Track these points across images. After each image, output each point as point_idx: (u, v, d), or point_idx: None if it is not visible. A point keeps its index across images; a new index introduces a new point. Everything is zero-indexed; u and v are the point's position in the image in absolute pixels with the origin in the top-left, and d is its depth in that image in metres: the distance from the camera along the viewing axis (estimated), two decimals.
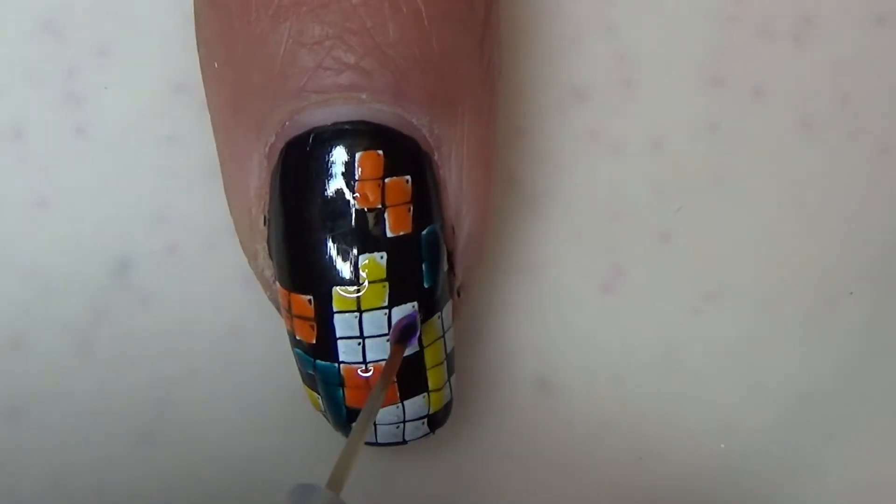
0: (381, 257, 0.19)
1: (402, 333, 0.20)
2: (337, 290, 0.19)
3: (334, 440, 0.23)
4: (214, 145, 0.23)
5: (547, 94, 0.24)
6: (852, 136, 0.25)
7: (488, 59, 0.20)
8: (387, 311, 0.20)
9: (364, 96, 0.19)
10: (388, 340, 0.20)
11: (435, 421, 0.21)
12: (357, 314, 0.20)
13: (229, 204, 0.21)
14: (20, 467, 0.23)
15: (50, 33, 0.24)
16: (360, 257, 0.19)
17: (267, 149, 0.20)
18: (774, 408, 0.24)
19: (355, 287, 0.19)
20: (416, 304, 0.20)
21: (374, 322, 0.20)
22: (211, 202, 0.24)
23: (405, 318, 0.20)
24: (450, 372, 0.21)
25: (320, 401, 0.21)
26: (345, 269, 0.19)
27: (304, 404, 0.23)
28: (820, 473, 0.24)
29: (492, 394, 0.24)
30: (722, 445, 0.24)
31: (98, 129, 0.24)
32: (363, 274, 0.19)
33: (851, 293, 0.24)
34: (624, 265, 0.24)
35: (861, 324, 0.25)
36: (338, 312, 0.20)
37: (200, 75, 0.23)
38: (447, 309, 0.21)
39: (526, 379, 0.24)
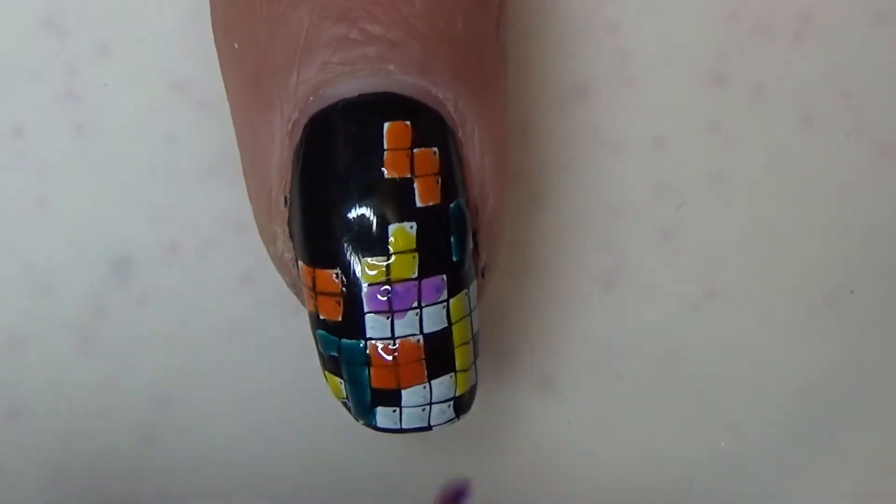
0: (411, 227, 0.19)
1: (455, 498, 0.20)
2: (366, 260, 0.19)
3: (334, 438, 0.23)
4: (214, 143, 0.23)
5: (548, 92, 0.24)
6: (853, 134, 0.25)
7: (503, 43, 0.20)
8: (416, 282, 0.19)
9: (391, 67, 0.19)
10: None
11: (461, 405, 0.21)
12: (387, 286, 0.19)
13: (248, 187, 0.21)
14: (20, 466, 0.23)
15: (49, 31, 0.24)
16: (390, 227, 0.19)
17: (290, 126, 0.20)
18: (775, 406, 0.24)
19: (384, 257, 0.19)
20: (448, 279, 0.20)
21: (404, 294, 0.19)
22: (211, 200, 0.24)
23: (460, 484, 0.20)
24: (476, 354, 0.21)
25: (342, 386, 0.20)
26: (373, 239, 0.19)
27: (305, 402, 0.23)
28: (821, 470, 0.24)
29: (492, 390, 0.24)
30: (723, 444, 0.24)
31: (98, 127, 0.24)
32: (392, 244, 0.19)
33: (852, 291, 0.24)
34: (625, 262, 0.24)
35: (862, 322, 0.25)
36: (366, 285, 0.19)
37: (200, 73, 0.23)
38: (473, 287, 0.20)
39: (526, 376, 0.24)
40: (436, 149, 0.19)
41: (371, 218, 0.19)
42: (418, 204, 0.19)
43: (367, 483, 0.24)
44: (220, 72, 0.21)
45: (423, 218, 0.19)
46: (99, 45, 0.24)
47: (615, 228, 0.24)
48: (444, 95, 0.20)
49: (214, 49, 0.21)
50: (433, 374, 0.20)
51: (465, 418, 0.21)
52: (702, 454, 0.24)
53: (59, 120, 0.24)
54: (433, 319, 0.20)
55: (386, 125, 0.19)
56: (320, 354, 0.21)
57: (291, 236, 0.20)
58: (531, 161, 0.24)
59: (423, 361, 0.20)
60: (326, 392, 0.21)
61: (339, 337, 0.20)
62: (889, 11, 0.25)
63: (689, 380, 0.24)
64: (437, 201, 0.19)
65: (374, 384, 0.20)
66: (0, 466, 0.23)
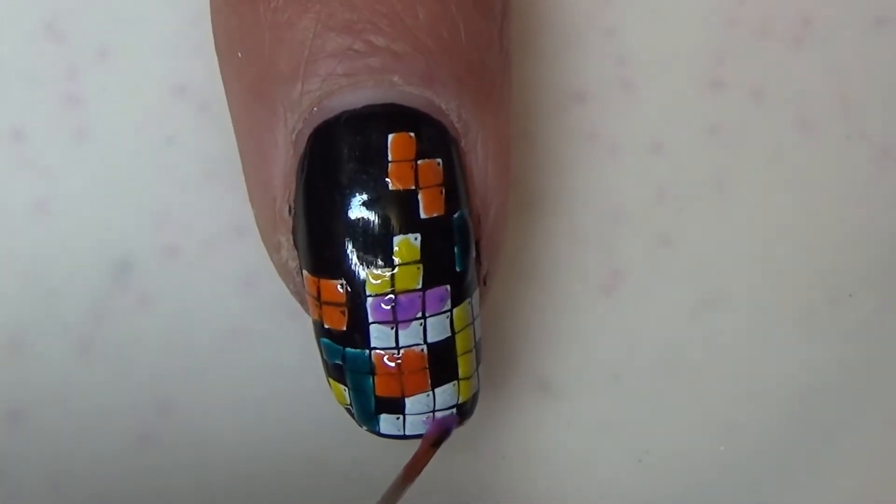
0: (416, 238, 0.19)
1: (441, 435, 0.20)
2: (370, 271, 0.19)
3: (334, 441, 0.23)
4: (214, 146, 0.23)
5: (547, 97, 0.24)
6: (852, 138, 0.25)
7: (506, 50, 0.20)
8: (421, 293, 0.19)
9: (396, 78, 0.19)
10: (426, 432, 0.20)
11: (463, 411, 0.21)
12: (391, 297, 0.19)
13: (251, 196, 0.21)
14: (20, 468, 0.23)
15: (50, 35, 0.24)
16: (394, 238, 0.19)
17: (294, 136, 0.20)
18: (774, 409, 0.24)
19: (389, 268, 0.19)
20: (452, 289, 0.20)
21: (408, 305, 0.19)
22: (211, 203, 0.24)
23: (445, 419, 0.20)
24: (478, 361, 0.21)
25: (346, 393, 0.20)
26: (378, 250, 0.19)
27: (304, 404, 0.23)
28: (820, 474, 0.24)
29: (492, 394, 0.24)
30: (722, 447, 0.24)
31: (98, 130, 0.24)
32: (396, 256, 0.19)
33: (851, 295, 0.24)
34: (624, 267, 0.24)
35: (860, 326, 0.25)
36: (371, 296, 0.19)
37: (200, 76, 0.23)
38: (476, 296, 0.20)
39: (526, 380, 0.24)
40: (439, 160, 0.20)
41: (375, 229, 0.19)
42: (422, 215, 0.19)
43: (366, 485, 0.24)
44: (220, 76, 0.21)
45: (427, 229, 0.19)
46: (99, 49, 0.24)
47: (614, 233, 0.24)
48: (447, 105, 0.20)
49: (214, 52, 0.21)
50: (437, 383, 0.20)
51: (467, 423, 0.21)
52: (701, 458, 0.24)
53: (60, 123, 0.24)
54: (437, 329, 0.20)
55: (390, 137, 0.19)
56: (324, 362, 0.21)
57: (295, 245, 0.20)
58: (530, 166, 0.24)
59: (427, 370, 0.20)
60: (327, 395, 0.21)
61: (344, 346, 0.20)
62: (887, 15, 0.25)
63: (688, 383, 0.24)
64: (441, 212, 0.20)
65: (378, 392, 0.20)
66: (0, 469, 0.23)
